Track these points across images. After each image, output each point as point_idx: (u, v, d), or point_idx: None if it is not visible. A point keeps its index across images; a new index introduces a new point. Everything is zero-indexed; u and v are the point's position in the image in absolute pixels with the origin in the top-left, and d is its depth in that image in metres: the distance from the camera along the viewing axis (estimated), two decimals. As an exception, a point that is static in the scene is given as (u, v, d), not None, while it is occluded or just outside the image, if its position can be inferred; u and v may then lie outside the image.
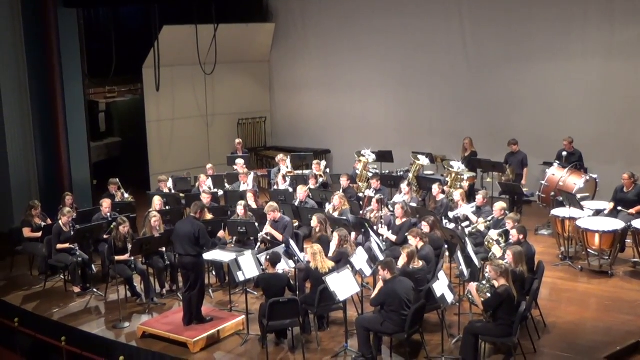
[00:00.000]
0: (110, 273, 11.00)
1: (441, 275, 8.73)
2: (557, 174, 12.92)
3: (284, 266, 9.59)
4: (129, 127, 19.18)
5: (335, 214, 11.77)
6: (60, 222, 11.30)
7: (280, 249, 10.07)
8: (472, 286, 8.62)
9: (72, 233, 11.17)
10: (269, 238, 11.16)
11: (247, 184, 13.97)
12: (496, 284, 8.27)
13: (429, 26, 16.59)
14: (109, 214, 11.81)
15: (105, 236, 11.12)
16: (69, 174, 14.62)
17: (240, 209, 11.60)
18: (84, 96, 14.99)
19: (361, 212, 12.37)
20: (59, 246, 11.19)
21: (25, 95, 14.13)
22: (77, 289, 11.25)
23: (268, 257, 9.16)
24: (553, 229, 12.58)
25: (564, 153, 13.54)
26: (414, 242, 9.70)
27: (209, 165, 15.02)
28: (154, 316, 10.21)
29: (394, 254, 10.18)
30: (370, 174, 14.28)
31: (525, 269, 8.92)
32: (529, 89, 15.43)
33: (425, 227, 10.29)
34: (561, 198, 12.29)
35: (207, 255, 10.44)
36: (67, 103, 14.54)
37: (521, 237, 9.62)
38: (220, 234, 11.56)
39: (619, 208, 11.70)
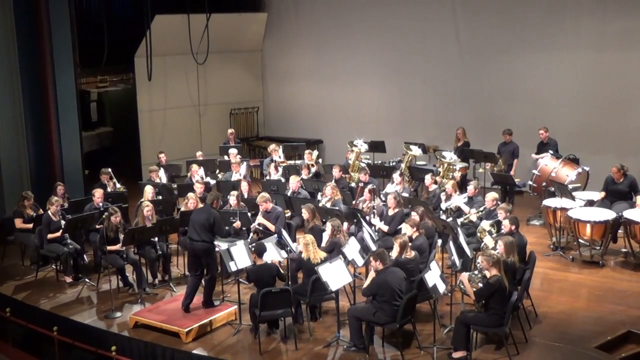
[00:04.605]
0: (102, 263, 10.98)
1: (433, 265, 8.74)
2: (550, 164, 12.94)
3: (276, 256, 9.58)
4: (121, 116, 19.11)
5: (328, 205, 11.77)
6: (49, 211, 11.28)
7: (273, 239, 10.09)
8: (464, 276, 8.65)
9: (62, 222, 11.14)
10: (261, 228, 11.16)
11: (239, 173, 13.96)
12: (488, 274, 8.30)
13: (422, 16, 16.57)
14: (100, 204, 11.78)
15: (97, 226, 11.12)
16: (61, 163, 14.56)
17: (232, 199, 11.58)
18: (75, 86, 14.87)
19: (353, 202, 12.38)
20: (50, 236, 11.16)
21: (16, 85, 14.03)
22: (68, 279, 11.23)
23: (253, 249, 9.18)
24: (544, 219, 12.62)
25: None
26: (409, 231, 9.71)
27: (199, 153, 15.02)
28: (146, 306, 10.20)
29: (386, 244, 10.21)
30: (362, 164, 14.29)
31: (517, 259, 8.95)
32: (521, 79, 15.44)
33: (415, 217, 10.27)
34: (553, 188, 12.33)
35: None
36: (59, 92, 14.47)
37: (513, 227, 9.64)
38: (237, 224, 11.34)
39: (617, 201, 11.74)
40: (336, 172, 13.38)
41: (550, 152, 13.31)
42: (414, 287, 8.70)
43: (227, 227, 11.52)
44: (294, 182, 12.70)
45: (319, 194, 12.58)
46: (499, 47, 15.65)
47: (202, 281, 9.86)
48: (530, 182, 13.29)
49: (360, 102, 17.90)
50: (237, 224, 11.24)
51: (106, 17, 15.52)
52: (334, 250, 9.75)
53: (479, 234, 10.42)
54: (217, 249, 10.03)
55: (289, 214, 12.13)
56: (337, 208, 11.45)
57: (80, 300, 10.68)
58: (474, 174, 14.59)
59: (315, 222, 10.68)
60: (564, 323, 9.32)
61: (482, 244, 9.94)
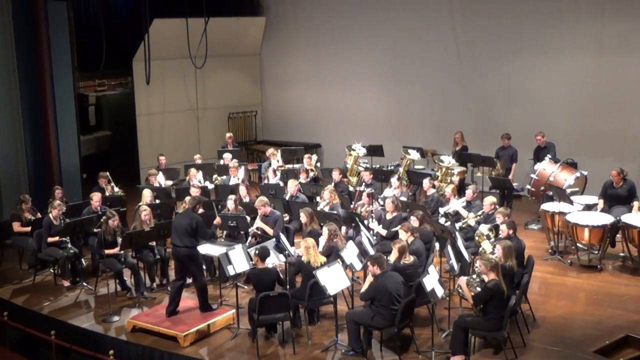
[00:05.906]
0: (100, 267, 10.99)
1: (431, 269, 8.74)
2: (548, 168, 12.95)
3: (274, 260, 9.58)
4: (119, 120, 19.10)
5: (326, 208, 11.77)
6: (50, 215, 11.27)
7: (271, 243, 10.08)
8: (462, 280, 8.65)
9: (62, 226, 11.13)
10: (259, 232, 11.15)
11: (237, 177, 13.95)
12: (486, 278, 8.30)
13: (420, 20, 16.58)
14: (99, 208, 11.77)
15: (95, 230, 11.10)
16: (59, 167, 14.54)
17: (230, 203, 11.58)
18: (73, 89, 14.88)
19: (352, 206, 12.38)
20: (50, 239, 11.16)
21: (14, 88, 14.03)
22: (66, 283, 11.22)
23: (257, 252, 9.17)
24: (543, 224, 12.62)
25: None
26: (404, 236, 9.70)
27: (197, 156, 15.04)
28: (143, 310, 10.19)
29: (384, 248, 10.20)
30: (361, 168, 14.29)
31: (515, 264, 8.95)
32: (519, 83, 15.45)
33: (414, 222, 10.27)
34: (551, 192, 12.33)
35: (198, 249, 10.43)
36: (57, 96, 14.45)
37: (511, 232, 9.63)
38: (216, 220, 11.33)
39: (616, 205, 11.74)
40: (336, 175, 13.40)
41: (549, 156, 13.31)
42: (412, 291, 8.70)
43: (225, 231, 11.56)
44: (292, 186, 12.70)
45: (317, 197, 12.58)
46: (496, 52, 15.67)
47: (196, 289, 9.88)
48: (528, 186, 13.29)
49: (358, 106, 17.90)
50: (218, 220, 11.23)
51: (105, 21, 15.53)
52: (331, 254, 9.74)
53: (477, 238, 10.41)
54: (215, 254, 10.04)
55: (287, 218, 12.13)
56: (335, 212, 11.46)
57: (78, 304, 10.66)
58: (472, 178, 14.60)
59: (313, 226, 10.67)
60: (562, 327, 9.31)
61: (480, 248, 9.93)
